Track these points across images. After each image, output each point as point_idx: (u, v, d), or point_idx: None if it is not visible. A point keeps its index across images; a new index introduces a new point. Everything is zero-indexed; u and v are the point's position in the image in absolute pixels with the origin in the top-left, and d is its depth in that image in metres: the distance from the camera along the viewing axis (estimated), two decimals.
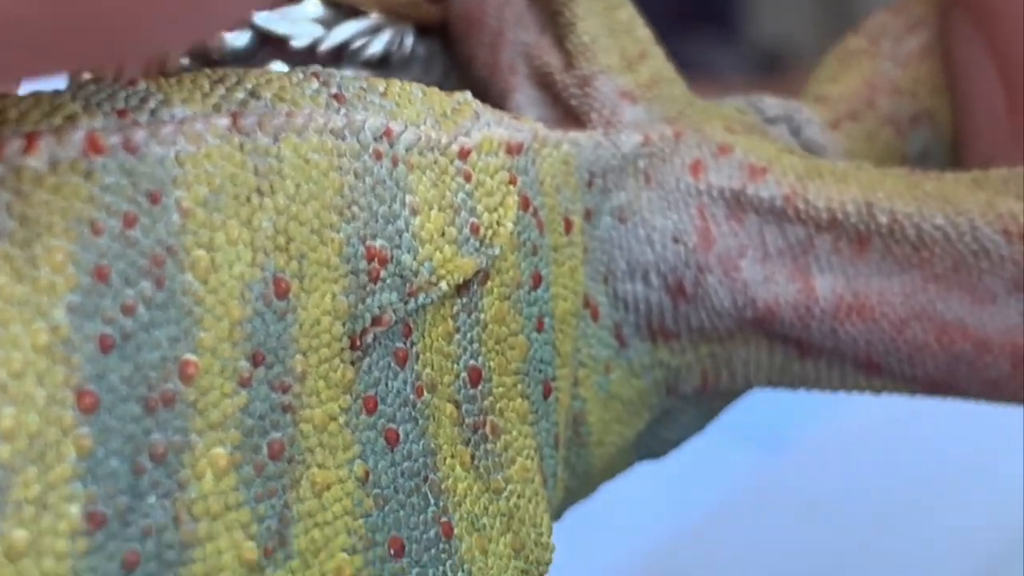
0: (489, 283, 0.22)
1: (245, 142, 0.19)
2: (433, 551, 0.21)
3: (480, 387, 0.22)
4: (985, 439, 0.49)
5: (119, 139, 0.18)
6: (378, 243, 0.21)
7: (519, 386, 0.23)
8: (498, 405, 0.23)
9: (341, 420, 0.20)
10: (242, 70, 0.21)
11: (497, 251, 0.22)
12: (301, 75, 0.21)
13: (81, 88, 0.19)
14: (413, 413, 0.21)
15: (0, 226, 0.17)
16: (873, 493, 0.51)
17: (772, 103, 0.28)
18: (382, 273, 0.21)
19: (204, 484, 0.19)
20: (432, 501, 0.21)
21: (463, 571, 0.22)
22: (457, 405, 0.22)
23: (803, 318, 0.25)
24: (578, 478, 0.26)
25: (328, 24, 0.26)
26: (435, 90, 0.23)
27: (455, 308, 0.22)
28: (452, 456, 0.22)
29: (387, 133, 0.21)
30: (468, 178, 0.22)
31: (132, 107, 0.19)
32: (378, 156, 0.21)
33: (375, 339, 0.21)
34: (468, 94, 0.23)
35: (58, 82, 0.20)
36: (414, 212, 0.21)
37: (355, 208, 0.20)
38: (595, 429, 0.25)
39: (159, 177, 0.18)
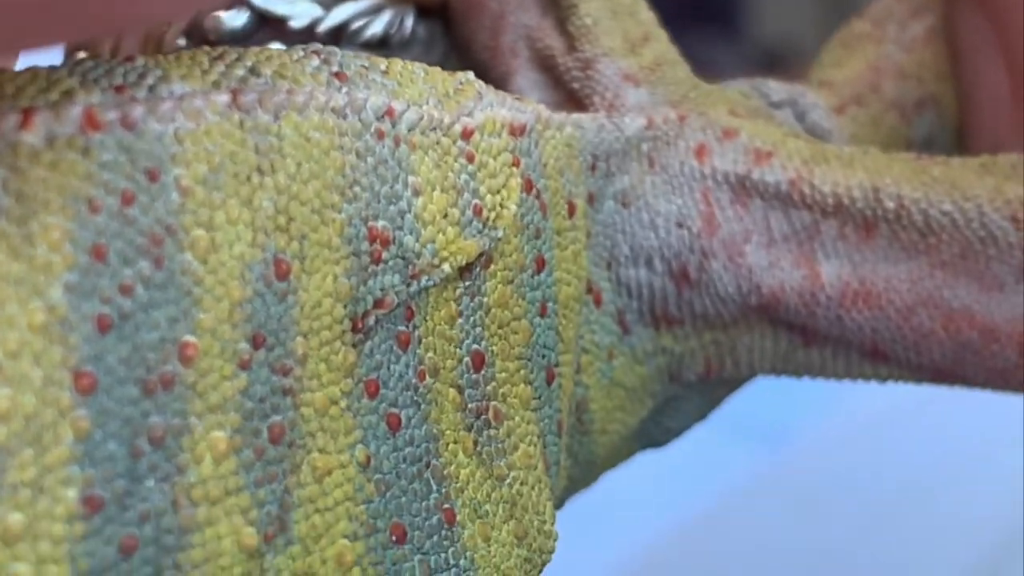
0: (492, 266, 0.22)
1: (245, 119, 0.19)
2: (435, 538, 0.21)
3: (483, 372, 0.22)
4: (986, 432, 0.49)
5: (117, 115, 0.18)
6: (380, 224, 0.20)
7: (522, 371, 0.23)
8: (501, 390, 0.22)
9: (342, 404, 0.20)
10: (241, 48, 0.20)
11: (500, 233, 0.22)
12: (302, 52, 0.21)
13: (78, 63, 0.19)
14: (415, 398, 0.21)
15: None
16: (874, 486, 0.51)
17: (776, 87, 0.27)
18: (384, 255, 0.20)
19: (203, 468, 0.18)
20: (434, 487, 0.21)
21: (465, 558, 0.21)
22: (460, 390, 0.22)
23: (808, 305, 0.24)
24: (580, 466, 0.25)
25: (327, 4, 0.25)
26: (437, 70, 0.22)
27: (458, 291, 0.22)
28: (455, 442, 0.21)
29: (389, 112, 0.21)
30: (471, 159, 0.22)
31: (130, 83, 0.18)
32: (380, 135, 0.20)
33: (377, 322, 0.20)
34: (471, 74, 0.23)
35: (55, 57, 0.20)
36: (416, 193, 0.21)
37: (357, 188, 0.20)
38: (598, 416, 0.25)
39: (157, 154, 0.18)
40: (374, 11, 0.26)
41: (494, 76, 0.26)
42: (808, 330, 0.25)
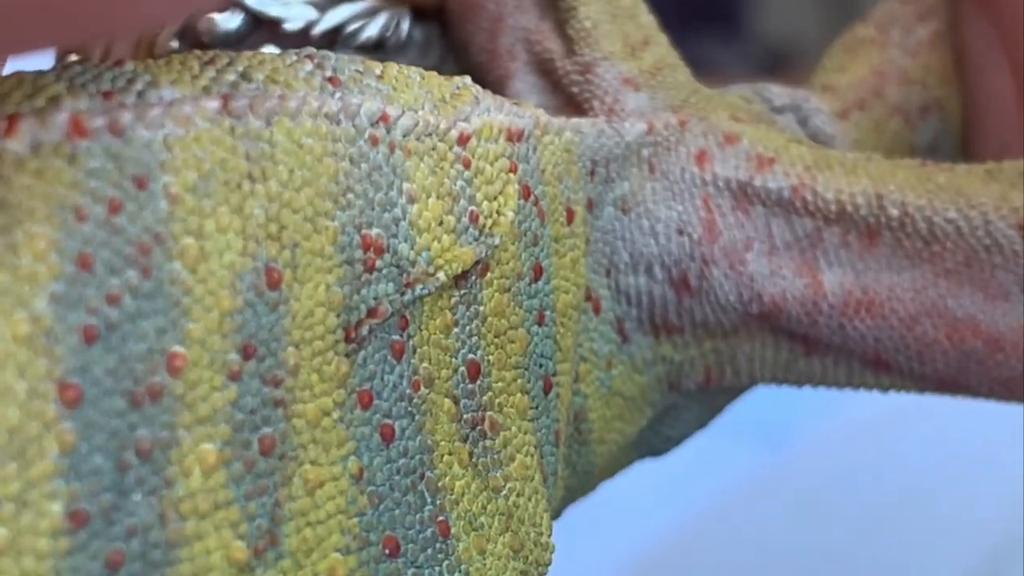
0: (489, 274, 0.22)
1: (236, 126, 0.19)
2: (429, 551, 0.21)
3: (479, 382, 0.22)
4: (986, 435, 0.48)
5: (104, 121, 0.18)
6: (374, 232, 0.20)
7: (519, 381, 0.22)
8: (497, 400, 0.22)
9: (335, 415, 0.20)
10: (234, 52, 0.20)
11: (497, 241, 0.22)
12: (295, 57, 0.20)
13: (66, 68, 0.18)
14: (409, 408, 0.21)
15: None
16: (875, 488, 0.51)
17: (779, 92, 0.27)
18: (378, 263, 0.20)
19: (192, 481, 0.18)
20: (429, 499, 0.21)
21: (460, 571, 0.21)
22: (455, 400, 0.21)
23: (810, 314, 0.24)
24: (578, 476, 0.25)
25: (322, 7, 0.25)
26: (434, 74, 0.22)
27: (453, 300, 0.21)
28: (450, 453, 0.21)
29: (384, 118, 0.20)
30: (467, 165, 0.21)
31: (118, 88, 0.18)
32: (374, 141, 0.20)
33: (371, 331, 0.20)
34: (468, 79, 0.22)
35: (43, 61, 0.19)
36: (411, 200, 0.20)
37: (350, 195, 0.20)
38: (596, 426, 0.25)
39: (146, 161, 0.18)
40: (370, 14, 0.25)
41: (492, 79, 0.26)
42: (810, 339, 0.25)
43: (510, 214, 0.22)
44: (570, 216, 0.23)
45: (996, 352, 0.24)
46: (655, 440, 0.27)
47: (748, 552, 0.49)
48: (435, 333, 0.21)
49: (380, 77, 0.21)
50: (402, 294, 0.20)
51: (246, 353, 0.18)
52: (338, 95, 0.20)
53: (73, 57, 0.22)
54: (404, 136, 0.20)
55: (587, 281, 0.24)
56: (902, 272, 0.24)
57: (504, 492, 0.22)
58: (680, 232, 0.24)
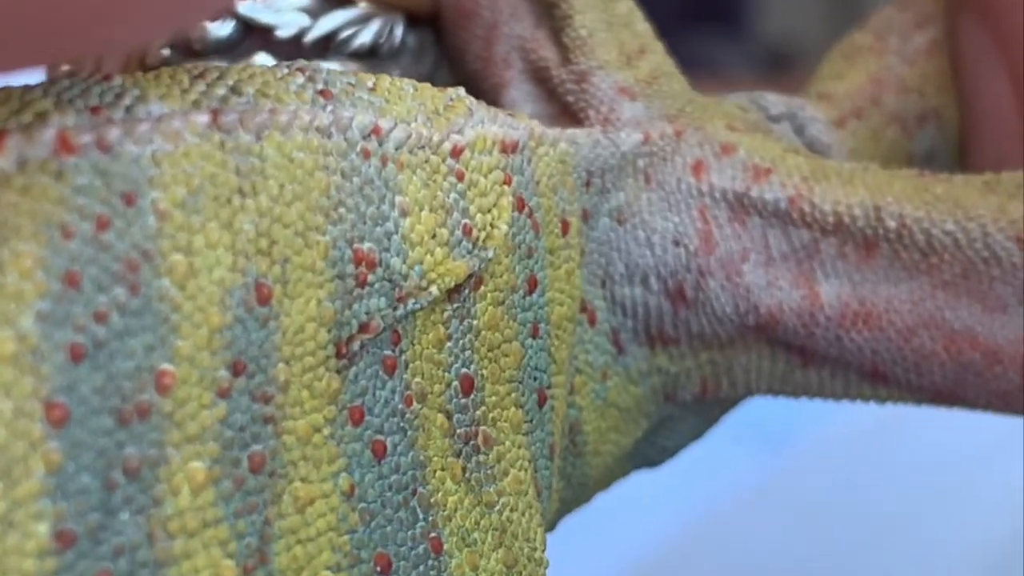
0: (482, 288, 0.21)
1: (226, 140, 0.18)
2: (421, 568, 0.20)
3: (472, 396, 0.21)
4: (987, 440, 0.48)
5: (92, 137, 0.17)
6: (366, 246, 0.20)
7: (513, 395, 0.22)
8: (491, 415, 0.22)
9: (326, 432, 0.19)
10: (224, 65, 0.20)
11: (491, 254, 0.21)
12: (286, 70, 0.20)
13: (54, 83, 0.18)
14: (402, 424, 0.20)
15: None
16: (875, 493, 0.51)
17: (775, 100, 0.27)
18: (370, 277, 0.20)
19: (180, 500, 0.18)
20: (421, 516, 0.20)
21: None
22: (448, 415, 0.21)
23: (807, 325, 0.24)
24: (573, 488, 0.25)
25: (315, 13, 0.25)
26: (427, 86, 0.22)
27: (446, 314, 0.21)
28: (442, 468, 0.21)
29: (376, 131, 0.20)
30: (461, 177, 0.21)
31: (107, 104, 0.18)
32: (366, 155, 0.20)
33: (362, 347, 0.20)
34: (462, 90, 0.22)
35: (32, 75, 0.19)
36: (404, 213, 0.20)
37: (342, 209, 0.19)
38: (591, 438, 0.24)
39: (134, 177, 0.18)
40: (363, 20, 0.25)
41: (487, 87, 0.26)
42: (806, 351, 0.24)
43: (504, 227, 0.22)
44: (565, 227, 0.23)
45: (994, 364, 0.24)
46: (650, 451, 0.26)
47: (749, 556, 0.49)
48: (428, 348, 0.21)
49: (372, 89, 0.21)
50: (394, 309, 0.20)
51: (236, 370, 0.18)
52: (329, 108, 0.20)
53: (65, 67, 0.22)
54: (396, 149, 0.20)
55: (582, 292, 0.24)
56: (899, 284, 0.24)
57: (498, 507, 0.22)
58: (676, 243, 0.24)
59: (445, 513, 0.21)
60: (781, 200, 0.24)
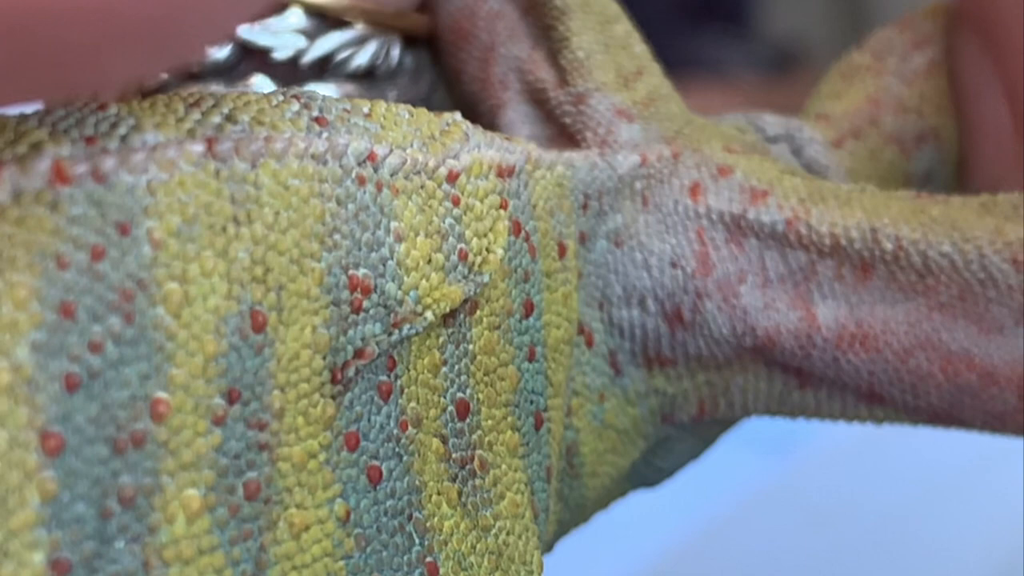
0: (478, 312, 0.21)
1: (221, 169, 0.18)
2: None
3: (468, 420, 0.21)
4: (991, 447, 0.48)
5: (87, 167, 0.17)
6: (361, 272, 0.20)
7: (509, 418, 0.22)
8: (487, 439, 0.22)
9: (321, 458, 0.19)
10: (219, 92, 0.20)
11: (486, 278, 0.21)
12: (281, 97, 0.20)
13: (48, 113, 0.18)
14: (397, 449, 0.20)
15: None
16: (880, 499, 0.51)
17: (772, 121, 0.27)
18: (365, 303, 0.20)
19: (176, 528, 0.18)
20: (417, 540, 0.20)
21: None
22: (444, 440, 0.21)
23: (804, 347, 0.24)
24: (570, 510, 0.25)
25: (312, 35, 0.25)
26: (423, 111, 0.22)
27: (441, 339, 0.21)
28: (438, 493, 0.21)
29: (371, 157, 0.20)
30: (456, 202, 0.21)
31: (101, 133, 0.18)
32: (361, 181, 0.20)
33: (357, 372, 0.20)
34: (458, 115, 0.22)
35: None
36: (399, 239, 0.20)
37: (337, 236, 0.19)
38: (589, 460, 0.24)
39: (129, 207, 0.18)
40: (359, 41, 0.25)
41: (484, 108, 0.26)
42: (803, 372, 0.24)
43: (500, 251, 0.22)
44: (562, 250, 0.23)
45: (990, 386, 0.23)
46: (648, 472, 0.26)
47: (754, 561, 0.49)
48: (423, 373, 0.21)
49: (368, 115, 0.21)
50: (389, 334, 0.20)
51: (231, 397, 0.18)
52: (325, 135, 0.20)
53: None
54: (392, 175, 0.20)
55: (579, 315, 0.24)
56: (896, 305, 0.24)
57: (494, 531, 0.22)
58: (673, 265, 0.24)
59: (441, 537, 0.21)
60: (778, 222, 0.24)
